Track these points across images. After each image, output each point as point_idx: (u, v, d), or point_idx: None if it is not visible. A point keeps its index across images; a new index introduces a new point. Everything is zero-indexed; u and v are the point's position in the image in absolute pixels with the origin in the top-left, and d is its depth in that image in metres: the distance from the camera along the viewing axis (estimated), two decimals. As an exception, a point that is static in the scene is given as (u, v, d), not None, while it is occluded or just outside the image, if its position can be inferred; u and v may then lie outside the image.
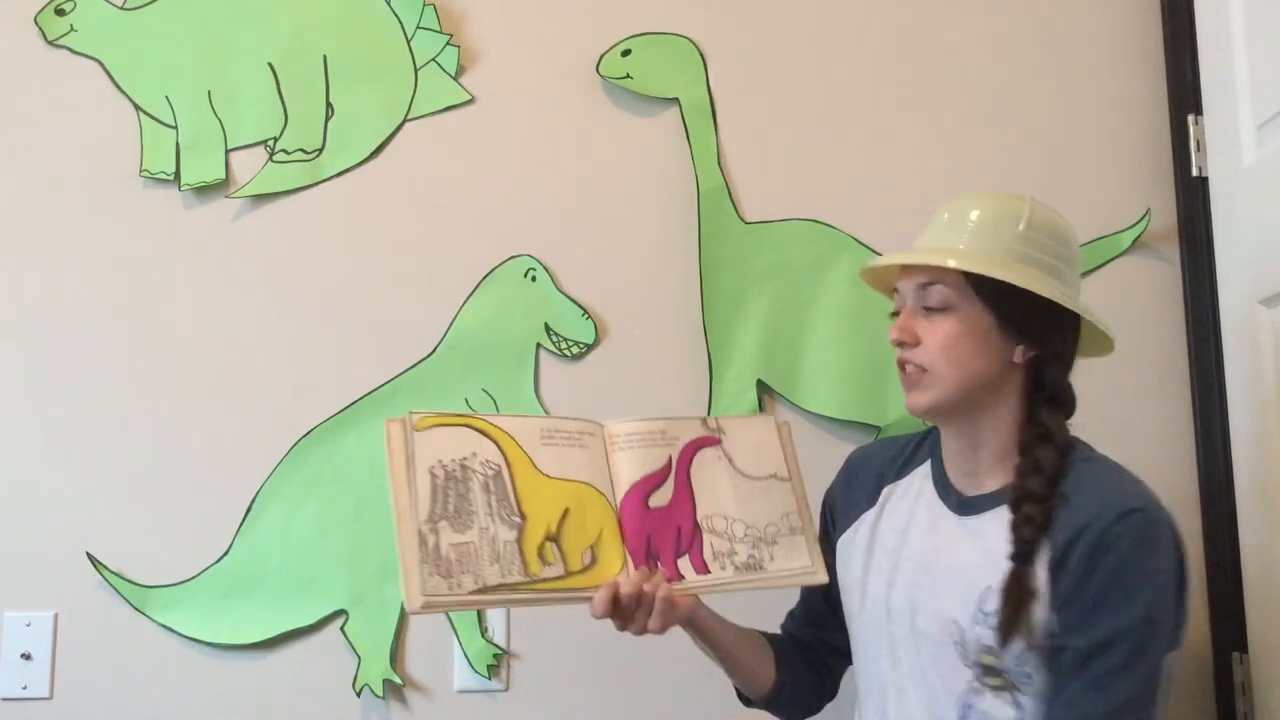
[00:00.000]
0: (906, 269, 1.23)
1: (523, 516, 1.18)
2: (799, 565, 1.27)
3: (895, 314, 1.25)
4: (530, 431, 1.23)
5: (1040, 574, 1.13)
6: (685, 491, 1.26)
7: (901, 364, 1.23)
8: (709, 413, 1.69)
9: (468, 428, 1.21)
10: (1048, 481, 1.16)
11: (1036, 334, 1.20)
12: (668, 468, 1.26)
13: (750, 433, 1.33)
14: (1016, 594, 1.12)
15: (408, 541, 1.13)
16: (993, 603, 1.14)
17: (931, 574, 1.22)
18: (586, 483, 1.23)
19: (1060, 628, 1.12)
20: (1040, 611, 1.13)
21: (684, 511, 1.25)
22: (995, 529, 1.18)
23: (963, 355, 1.18)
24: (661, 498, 1.24)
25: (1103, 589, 1.10)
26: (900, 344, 1.22)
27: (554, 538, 1.18)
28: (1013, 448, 1.21)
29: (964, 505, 1.23)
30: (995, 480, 1.22)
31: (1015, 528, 1.15)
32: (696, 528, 1.24)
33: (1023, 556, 1.13)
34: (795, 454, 1.33)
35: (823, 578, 1.28)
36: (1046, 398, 1.21)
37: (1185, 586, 1.15)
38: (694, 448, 1.28)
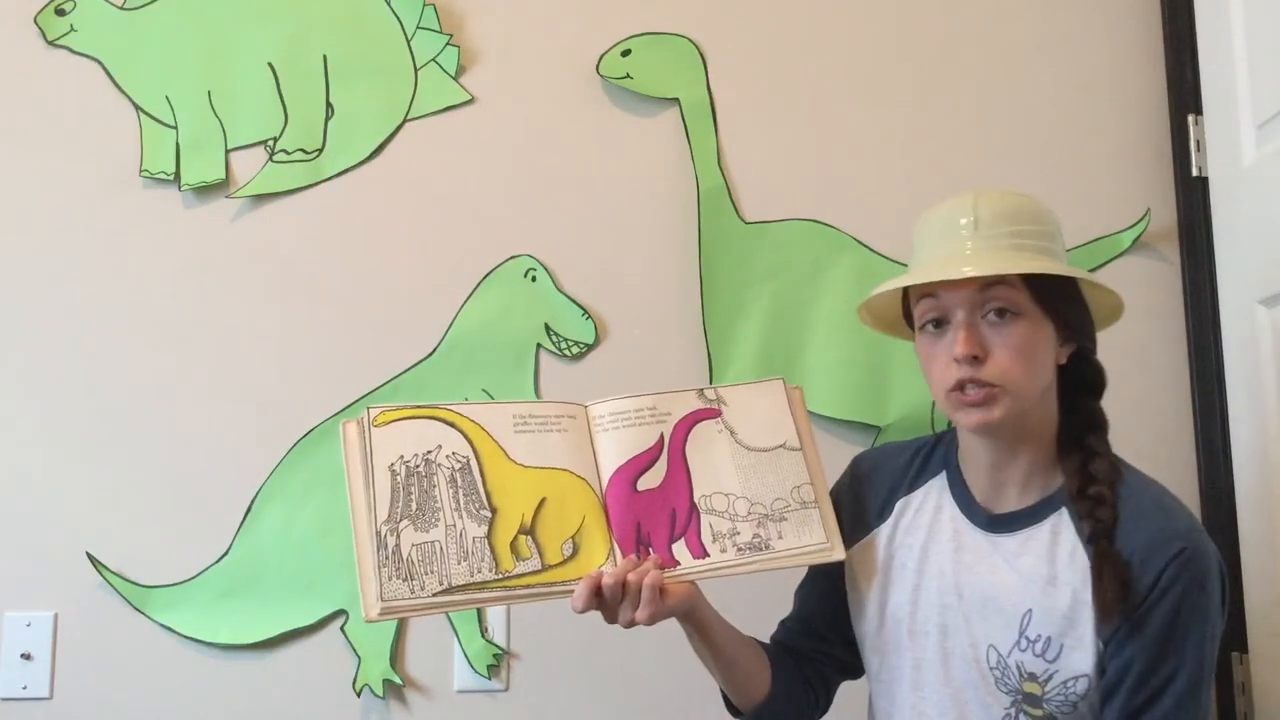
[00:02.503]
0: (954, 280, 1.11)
1: (493, 510, 1.12)
2: (812, 542, 1.17)
3: (928, 325, 1.14)
4: (501, 419, 1.16)
5: (1084, 592, 1.10)
6: (680, 470, 1.17)
7: (961, 384, 1.10)
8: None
9: (433, 419, 1.15)
10: (1110, 466, 1.13)
11: (1080, 329, 1.16)
12: (659, 446, 1.18)
13: (756, 401, 1.23)
14: (1116, 572, 1.07)
15: (364, 545, 1.09)
16: (1037, 628, 1.11)
17: (962, 595, 1.17)
18: (566, 469, 1.16)
19: (1113, 670, 1.09)
20: (1087, 634, 1.10)
21: (679, 492, 1.16)
22: (1032, 548, 1.14)
23: (1038, 364, 1.11)
24: (653, 479, 1.16)
25: (1157, 639, 1.08)
26: (971, 359, 1.09)
27: (529, 530, 1.12)
28: (1050, 455, 1.16)
29: (994, 523, 1.18)
30: (1029, 495, 1.17)
31: (1089, 512, 1.10)
32: (693, 508, 1.16)
33: (1106, 535, 1.09)
34: (808, 420, 1.26)
35: (839, 554, 1.18)
36: (1086, 386, 1.17)
37: (1226, 604, 1.13)
38: (690, 422, 1.20)
